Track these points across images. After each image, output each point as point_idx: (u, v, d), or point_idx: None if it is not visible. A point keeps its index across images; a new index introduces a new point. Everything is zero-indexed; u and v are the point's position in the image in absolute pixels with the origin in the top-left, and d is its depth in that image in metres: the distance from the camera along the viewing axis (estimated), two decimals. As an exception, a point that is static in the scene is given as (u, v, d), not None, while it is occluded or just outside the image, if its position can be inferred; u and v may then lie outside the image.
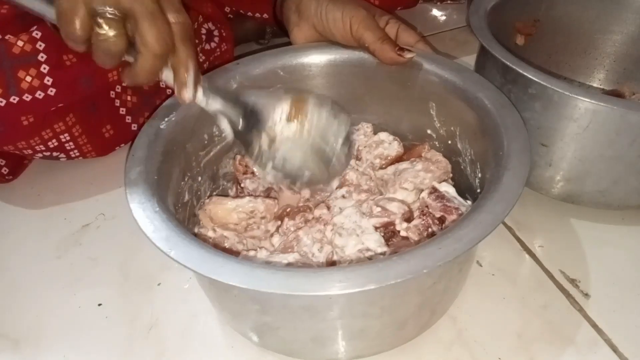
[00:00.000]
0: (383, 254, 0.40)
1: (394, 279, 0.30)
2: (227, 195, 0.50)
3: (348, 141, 0.43)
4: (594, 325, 0.43)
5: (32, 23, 0.48)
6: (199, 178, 0.47)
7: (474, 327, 0.43)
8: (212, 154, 0.47)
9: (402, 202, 0.45)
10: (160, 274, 0.48)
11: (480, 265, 0.47)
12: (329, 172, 0.43)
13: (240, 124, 0.40)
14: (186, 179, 0.44)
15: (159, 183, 0.38)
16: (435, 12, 0.88)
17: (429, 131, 0.50)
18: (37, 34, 0.48)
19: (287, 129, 0.41)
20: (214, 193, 0.49)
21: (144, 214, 0.35)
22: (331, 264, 0.41)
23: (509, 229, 0.50)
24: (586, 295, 0.45)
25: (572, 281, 0.46)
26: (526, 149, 0.38)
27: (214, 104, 0.39)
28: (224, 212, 0.44)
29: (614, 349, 0.41)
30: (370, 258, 0.40)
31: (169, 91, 0.60)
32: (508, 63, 0.45)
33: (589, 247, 0.49)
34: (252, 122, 0.40)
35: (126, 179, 0.37)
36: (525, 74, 0.45)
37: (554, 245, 0.49)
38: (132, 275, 0.48)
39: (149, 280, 0.48)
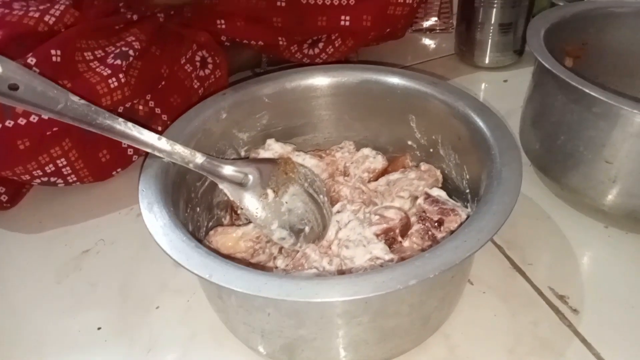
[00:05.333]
0: (391, 260, 0.41)
1: (433, 272, 0.32)
2: (222, 224, 0.51)
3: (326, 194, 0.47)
4: (584, 340, 0.43)
5: (28, 50, 0.49)
6: (197, 209, 0.47)
7: (466, 344, 0.43)
8: (206, 184, 0.48)
9: (399, 208, 0.46)
10: (158, 297, 0.49)
11: (472, 284, 0.48)
12: (322, 223, 0.45)
13: (245, 181, 0.43)
14: (188, 210, 0.45)
15: (176, 215, 0.39)
16: (426, 41, 0.91)
17: (409, 142, 0.53)
18: (32, 60, 0.48)
19: (286, 181, 0.45)
20: (210, 223, 0.50)
21: (173, 245, 0.35)
22: (341, 274, 0.42)
23: (499, 247, 0.52)
24: (575, 311, 0.46)
25: (561, 297, 0.47)
26: (514, 145, 0.41)
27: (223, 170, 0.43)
28: (233, 241, 0.45)
29: (603, 363, 0.42)
30: (381, 266, 0.41)
31: (164, 117, 0.61)
32: (573, 83, 0.46)
33: (578, 264, 0.50)
34: (253, 181, 0.43)
35: (144, 213, 0.37)
36: (591, 93, 0.45)
37: (543, 263, 0.50)
38: (131, 299, 0.49)
39: (147, 303, 0.49)
